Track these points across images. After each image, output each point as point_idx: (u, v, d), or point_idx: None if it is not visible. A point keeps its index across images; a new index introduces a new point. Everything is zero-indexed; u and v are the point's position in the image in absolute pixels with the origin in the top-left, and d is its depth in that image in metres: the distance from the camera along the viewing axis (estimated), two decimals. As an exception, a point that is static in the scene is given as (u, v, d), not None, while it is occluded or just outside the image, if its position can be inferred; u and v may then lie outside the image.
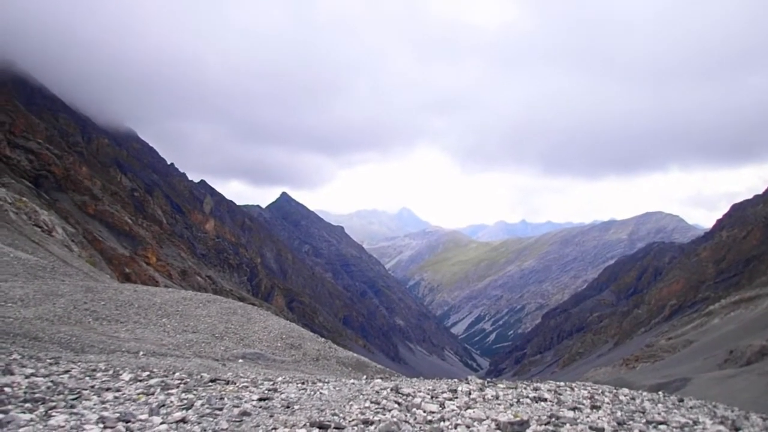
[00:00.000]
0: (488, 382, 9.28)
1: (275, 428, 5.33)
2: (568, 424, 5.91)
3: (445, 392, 7.64)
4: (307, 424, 5.42)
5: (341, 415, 5.95)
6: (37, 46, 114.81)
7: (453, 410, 6.38)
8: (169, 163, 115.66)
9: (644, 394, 10.23)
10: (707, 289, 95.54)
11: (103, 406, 6.06)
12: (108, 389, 7.01)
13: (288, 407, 6.62)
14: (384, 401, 6.68)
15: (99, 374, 8.17)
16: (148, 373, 8.82)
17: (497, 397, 7.60)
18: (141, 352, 12.20)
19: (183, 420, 5.59)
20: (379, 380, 10.08)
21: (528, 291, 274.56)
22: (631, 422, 6.59)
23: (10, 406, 5.51)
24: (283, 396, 7.47)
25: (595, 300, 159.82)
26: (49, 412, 5.51)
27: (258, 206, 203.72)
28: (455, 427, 5.52)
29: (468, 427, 5.56)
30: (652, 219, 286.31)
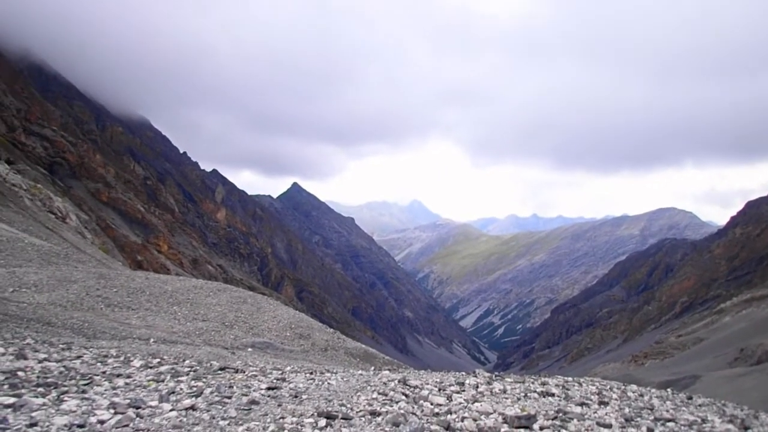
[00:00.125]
0: (496, 376, 9.28)
1: (283, 417, 5.36)
2: (575, 420, 5.90)
3: (453, 385, 7.64)
4: (315, 414, 5.45)
5: (349, 405, 5.98)
6: (53, 34, 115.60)
7: (460, 403, 6.39)
8: (181, 151, 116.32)
9: (653, 391, 10.18)
10: (719, 287, 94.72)
11: (114, 391, 6.12)
12: (119, 375, 7.09)
13: (296, 397, 6.66)
14: (391, 393, 6.71)
15: (110, 360, 8.26)
16: (158, 360, 8.90)
17: (505, 391, 7.60)
18: (152, 339, 12.31)
19: (192, 407, 5.64)
20: (387, 372, 10.12)
21: (538, 285, 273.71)
22: (639, 419, 6.57)
23: (23, 390, 5.59)
24: (291, 385, 7.52)
25: (605, 296, 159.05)
26: (61, 396, 5.57)
27: (269, 196, 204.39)
28: (462, 420, 5.53)
29: (475, 420, 5.56)
30: (665, 215, 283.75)
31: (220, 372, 8.43)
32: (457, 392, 7.13)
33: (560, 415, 6.05)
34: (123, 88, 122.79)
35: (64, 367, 7.07)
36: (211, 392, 6.48)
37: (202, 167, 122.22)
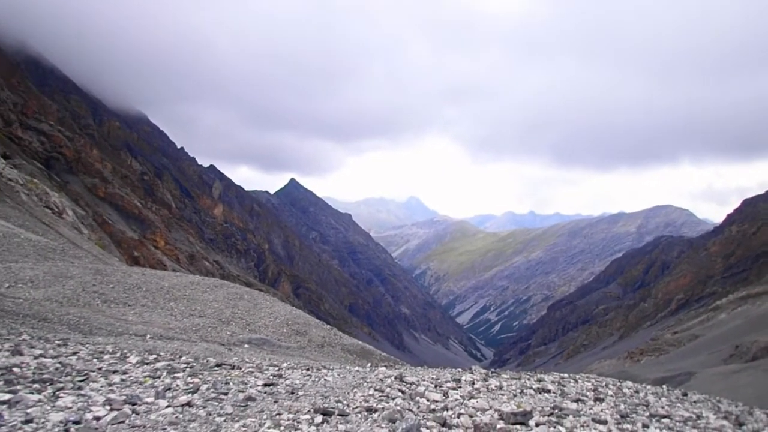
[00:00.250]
0: (492, 373, 9.30)
1: (279, 414, 5.37)
2: (571, 416, 5.92)
3: (449, 381, 7.66)
4: (311, 410, 5.45)
5: (345, 402, 5.99)
6: (50, 27, 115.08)
7: (456, 399, 6.40)
8: (179, 147, 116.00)
9: (648, 387, 10.22)
10: (715, 284, 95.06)
11: (110, 388, 6.12)
12: (115, 371, 7.08)
13: (292, 393, 6.66)
14: (388, 389, 6.71)
15: (106, 356, 8.25)
16: (154, 356, 8.89)
17: (501, 388, 7.62)
18: (148, 336, 12.30)
19: (188, 404, 5.65)
20: (384, 368, 10.13)
21: (534, 282, 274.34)
22: (634, 415, 6.59)
23: (18, 387, 5.58)
24: (287, 382, 7.52)
25: (601, 293, 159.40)
26: (57, 393, 5.57)
27: (266, 192, 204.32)
28: (458, 417, 5.54)
29: (471, 416, 5.58)
30: (662, 212, 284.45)
31: (216, 368, 8.43)
32: (454, 389, 7.14)
33: (556, 411, 6.07)
34: (120, 83, 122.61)
35: (60, 363, 7.06)
36: (208, 389, 6.48)
37: (199, 162, 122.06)
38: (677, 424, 6.41)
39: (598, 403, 7.29)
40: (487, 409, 5.92)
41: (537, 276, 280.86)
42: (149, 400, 5.65)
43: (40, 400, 5.20)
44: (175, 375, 7.32)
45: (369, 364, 13.34)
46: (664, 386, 11.01)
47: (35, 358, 7.19)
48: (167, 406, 5.49)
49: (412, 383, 7.32)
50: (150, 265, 50.38)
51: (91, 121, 76.64)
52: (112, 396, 5.63)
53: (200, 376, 7.39)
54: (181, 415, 5.26)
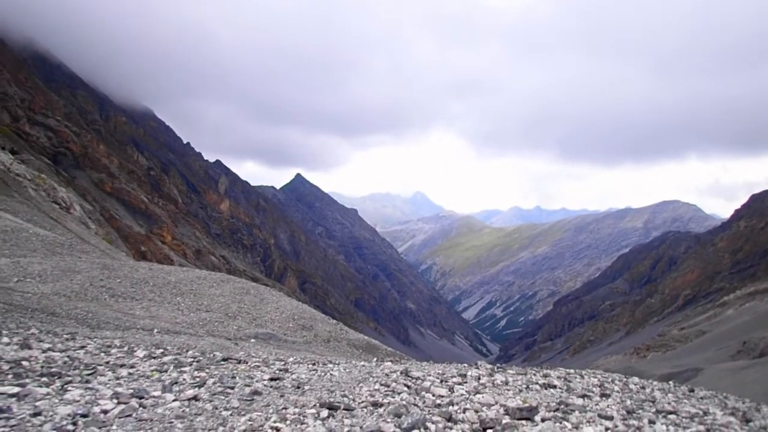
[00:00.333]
0: (498, 368, 9.31)
1: (285, 408, 5.39)
2: (577, 412, 5.91)
3: (455, 377, 7.66)
4: (317, 404, 5.47)
5: (351, 396, 6.00)
6: (57, 23, 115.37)
7: (462, 395, 6.41)
8: (185, 142, 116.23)
9: (654, 383, 10.20)
10: (722, 280, 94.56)
11: (118, 381, 6.16)
12: (122, 365, 7.12)
13: (298, 388, 6.69)
14: (393, 384, 6.72)
15: (114, 350, 8.30)
16: (161, 350, 8.94)
17: (506, 383, 7.62)
18: (155, 330, 12.36)
19: (195, 398, 5.67)
20: (389, 363, 10.14)
21: (540, 277, 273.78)
22: (640, 411, 6.58)
23: (27, 380, 5.62)
24: (293, 376, 7.55)
25: (607, 288, 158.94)
26: (65, 386, 5.61)
27: (272, 187, 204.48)
28: (464, 412, 5.54)
29: (477, 411, 5.58)
30: (669, 208, 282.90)
31: (223, 362, 8.46)
32: (459, 384, 7.15)
33: (562, 407, 6.06)
34: (126, 78, 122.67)
35: (68, 357, 7.11)
36: (214, 383, 6.51)
37: (205, 158, 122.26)
38: (684, 420, 6.39)
39: (604, 398, 7.27)
40: (493, 405, 5.92)
41: (543, 271, 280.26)
42: (156, 393, 5.68)
43: (48, 394, 5.24)
44: (182, 369, 7.35)
45: (375, 359, 13.37)
46: (670, 382, 10.99)
47: (44, 351, 7.25)
48: (174, 400, 5.52)
49: (417, 378, 7.33)
50: (157, 260, 50.62)
51: (97, 116, 76.95)
52: (119, 389, 5.66)
53: (207, 371, 7.42)
54: (187, 409, 5.29)
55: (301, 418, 5.05)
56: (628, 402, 7.19)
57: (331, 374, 8.01)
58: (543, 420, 5.43)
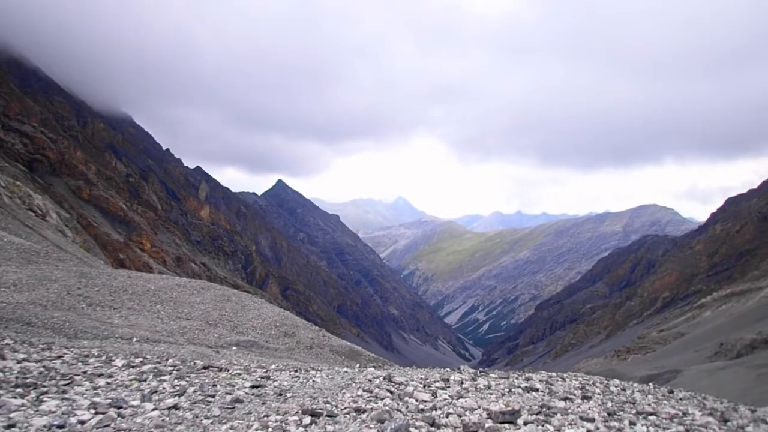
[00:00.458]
0: (480, 372, 9.33)
1: (267, 415, 5.34)
2: (559, 414, 5.95)
3: (438, 381, 7.67)
4: (300, 411, 5.43)
5: (334, 403, 5.97)
6: (32, 28, 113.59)
7: (445, 399, 6.41)
8: (164, 148, 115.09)
9: (635, 385, 10.31)
10: (699, 282, 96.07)
11: (95, 391, 6.05)
12: (100, 375, 7.00)
13: (280, 395, 6.64)
14: (376, 390, 6.71)
15: (92, 360, 8.16)
16: (141, 359, 8.82)
17: (489, 387, 7.64)
18: (134, 339, 12.19)
19: (175, 406, 5.60)
20: (372, 369, 10.12)
21: (522, 282, 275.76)
22: (621, 413, 6.64)
23: (1, 391, 5.50)
24: (275, 383, 7.49)
25: (588, 291, 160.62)
26: (41, 397, 5.50)
27: (254, 193, 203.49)
28: (447, 416, 5.55)
29: (460, 416, 5.58)
30: (647, 212, 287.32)
31: (203, 371, 8.37)
32: (442, 388, 7.16)
33: (544, 410, 6.10)
34: (104, 84, 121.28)
35: (43, 367, 6.97)
36: (195, 391, 6.43)
37: (185, 164, 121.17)
38: (663, 421, 6.46)
39: (585, 401, 7.33)
40: (476, 409, 5.93)
41: (524, 276, 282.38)
42: (135, 403, 5.60)
43: (23, 405, 5.13)
44: (162, 378, 7.26)
45: (358, 365, 13.32)
46: (650, 384, 11.11)
47: (18, 362, 7.10)
48: (153, 409, 5.44)
49: (400, 383, 7.32)
50: (136, 268, 49.93)
51: (74, 122, 75.80)
52: (97, 399, 5.57)
53: (187, 379, 7.34)
54: (167, 418, 5.22)
55: (284, 425, 5.01)
56: (609, 404, 7.26)
57: (313, 381, 7.96)
58: (525, 423, 5.46)
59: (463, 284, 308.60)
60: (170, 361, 9.11)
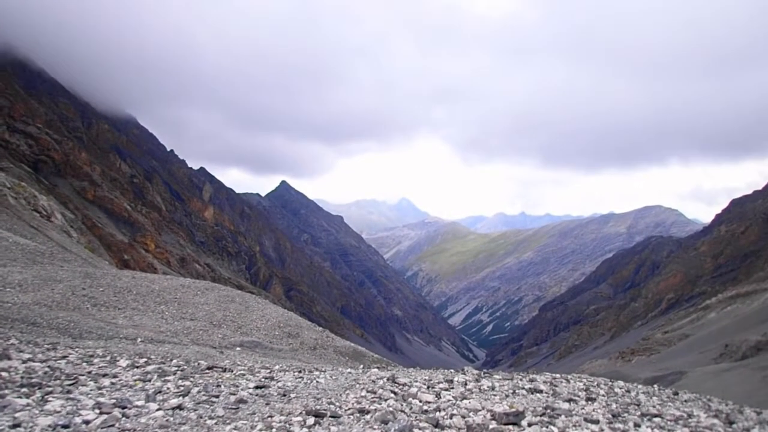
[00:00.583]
0: (484, 373, 9.32)
1: (271, 416, 5.34)
2: (563, 416, 5.93)
3: (442, 382, 7.66)
4: (303, 412, 5.43)
5: (337, 403, 5.97)
6: (37, 30, 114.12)
7: (449, 400, 6.41)
8: (168, 149, 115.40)
9: (639, 386, 10.28)
10: (704, 284, 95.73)
11: (100, 391, 6.07)
12: (105, 375, 7.02)
13: (284, 395, 6.64)
14: (380, 391, 6.70)
15: (96, 360, 8.18)
16: (145, 359, 8.83)
17: (493, 388, 7.63)
18: (139, 339, 12.22)
19: (179, 407, 5.61)
20: (376, 370, 10.12)
21: (526, 283, 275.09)
22: (626, 414, 6.62)
23: (6, 391, 5.52)
24: (279, 384, 7.49)
25: (592, 293, 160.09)
26: (46, 397, 5.51)
27: (257, 194, 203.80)
28: (451, 417, 5.54)
29: (463, 417, 5.58)
30: (651, 213, 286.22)
31: (207, 371, 8.38)
32: (446, 390, 7.15)
33: (548, 411, 6.08)
34: (109, 85, 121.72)
35: (48, 367, 7.00)
36: (199, 391, 6.44)
37: (189, 165, 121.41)
38: (668, 423, 6.44)
39: (589, 402, 7.31)
40: (480, 410, 5.92)
41: (528, 277, 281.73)
42: (139, 403, 5.61)
43: (28, 404, 5.15)
44: (166, 378, 7.27)
45: (361, 366, 13.32)
46: (655, 385, 11.08)
47: (24, 362, 7.12)
48: (158, 409, 5.45)
49: (404, 384, 7.31)
50: (140, 269, 50.05)
51: (79, 123, 76.04)
52: (101, 399, 5.58)
53: (191, 379, 7.35)
54: (171, 418, 5.23)
55: (287, 426, 5.01)
56: (614, 406, 7.24)
57: (317, 382, 7.96)
58: (530, 425, 5.45)
59: (467, 285, 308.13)
60: (174, 361, 9.13)
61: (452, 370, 10.00)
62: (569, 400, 7.21)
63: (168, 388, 6.54)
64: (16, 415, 4.79)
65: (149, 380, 7.02)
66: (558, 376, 10.08)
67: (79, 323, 12.43)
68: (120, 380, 6.81)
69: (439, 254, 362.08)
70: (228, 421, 5.21)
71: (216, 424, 5.13)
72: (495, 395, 7.08)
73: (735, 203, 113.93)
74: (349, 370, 10.33)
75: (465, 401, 6.36)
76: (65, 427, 4.65)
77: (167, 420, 5.16)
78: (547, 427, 5.47)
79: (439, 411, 5.82)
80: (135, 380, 6.89)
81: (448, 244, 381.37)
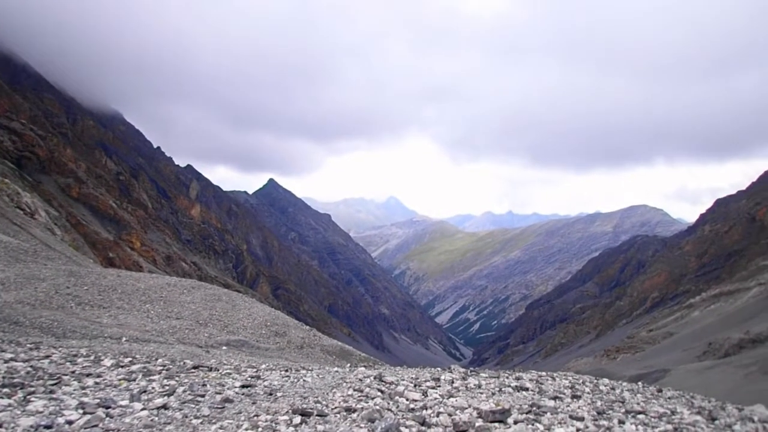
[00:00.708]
0: (471, 371, 9.35)
1: (257, 415, 5.32)
2: (548, 413, 5.96)
3: (428, 381, 7.67)
4: (290, 411, 5.41)
5: (324, 402, 5.96)
6: (21, 24, 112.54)
7: (436, 398, 6.42)
8: (155, 146, 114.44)
9: (624, 384, 10.37)
10: (688, 283, 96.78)
11: (84, 391, 6.00)
12: (89, 375, 6.95)
13: (271, 394, 6.62)
14: (367, 389, 6.70)
15: (80, 360, 8.10)
16: (130, 359, 8.76)
17: (479, 386, 7.66)
18: (123, 338, 12.11)
19: (164, 406, 5.56)
20: (363, 368, 10.12)
21: (513, 281, 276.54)
22: (610, 411, 6.67)
23: (-12, 391, 5.45)
24: (266, 383, 7.47)
25: (578, 291, 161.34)
26: (28, 397, 5.45)
27: (245, 192, 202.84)
28: (437, 416, 5.55)
29: (450, 415, 5.59)
30: (637, 212, 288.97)
31: (193, 370, 8.33)
32: (433, 388, 7.16)
33: (534, 408, 6.11)
34: (95, 81, 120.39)
35: (31, 366, 6.91)
36: (184, 391, 6.40)
37: (176, 162, 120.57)
38: (652, 419, 6.50)
39: (575, 400, 7.36)
40: (466, 408, 5.94)
41: (515, 275, 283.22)
42: (124, 403, 5.56)
43: (9, 405, 5.08)
44: (151, 377, 7.21)
45: (348, 365, 13.31)
46: (639, 383, 11.18)
47: (5, 362, 7.03)
48: (142, 409, 5.41)
49: (391, 383, 7.31)
50: (126, 267, 49.59)
51: (64, 119, 75.16)
52: (85, 399, 5.52)
53: (177, 379, 7.30)
54: (156, 418, 5.19)
55: (274, 425, 4.99)
56: (599, 403, 7.29)
57: (304, 380, 7.95)
58: (516, 422, 5.47)
59: (454, 284, 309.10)
60: (160, 360, 9.06)
61: (439, 369, 10.02)
62: (555, 398, 7.25)
63: (153, 388, 6.49)
64: (-2, 415, 4.73)
65: (134, 380, 6.96)
66: (544, 374, 10.15)
67: (63, 322, 12.30)
68: (104, 380, 6.74)
69: (426, 253, 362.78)
70: (214, 421, 5.18)
71: (201, 423, 5.10)
72: (481, 393, 7.11)
73: (719, 203, 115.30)
74: (336, 368, 10.32)
75: (451, 399, 6.38)
76: (48, 427, 4.60)
77: (152, 420, 5.12)
78: (532, 424, 5.49)
79: (426, 409, 5.83)
80: (119, 380, 6.82)
81: (435, 242, 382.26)
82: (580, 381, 9.65)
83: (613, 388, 9.30)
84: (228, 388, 6.83)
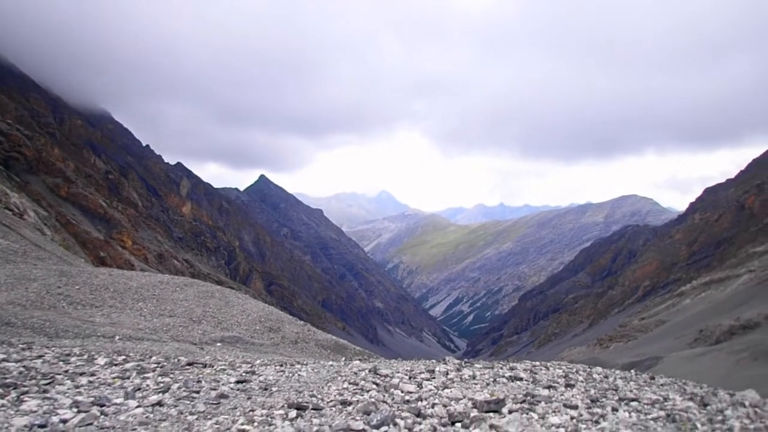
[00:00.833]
0: (465, 363, 9.38)
1: (253, 410, 5.32)
2: (543, 402, 6.00)
3: (423, 373, 7.69)
4: (285, 405, 5.42)
5: (319, 396, 5.97)
6: (6, 23, 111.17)
7: (430, 390, 6.44)
8: (144, 144, 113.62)
9: (617, 372, 10.43)
10: (679, 271, 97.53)
11: (77, 390, 5.98)
12: (82, 374, 6.92)
13: (266, 389, 6.61)
14: (362, 382, 6.71)
15: (73, 359, 8.05)
16: (123, 357, 8.72)
17: (474, 377, 7.68)
18: (117, 337, 12.05)
19: (159, 403, 5.55)
20: (358, 362, 10.12)
21: (505, 273, 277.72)
22: (604, 399, 6.71)
23: (-20, 392, 5.41)
24: (261, 378, 7.46)
25: (570, 282, 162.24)
26: (21, 397, 5.42)
27: (236, 189, 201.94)
28: (432, 407, 5.57)
29: (445, 406, 5.61)
30: (627, 202, 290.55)
31: (187, 367, 8.31)
32: (428, 380, 7.18)
33: (528, 398, 6.15)
34: (82, 80, 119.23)
35: (24, 367, 6.87)
36: (179, 387, 6.38)
37: (166, 160, 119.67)
38: (645, 406, 6.55)
39: (569, 389, 7.40)
40: (461, 399, 5.96)
41: (508, 267, 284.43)
42: (118, 401, 5.54)
43: (3, 405, 5.06)
44: (145, 375, 7.19)
45: (343, 359, 13.32)
46: (632, 371, 11.26)
47: (-3, 362, 6.98)
48: (137, 407, 5.39)
49: (386, 376, 7.33)
50: (117, 266, 49.32)
51: (51, 119, 74.44)
52: (79, 398, 5.50)
53: (171, 376, 7.28)
54: (151, 415, 5.18)
55: (269, 419, 5.00)
56: (592, 391, 7.34)
57: (299, 375, 7.95)
58: (510, 412, 5.50)
59: (447, 276, 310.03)
60: (154, 358, 9.03)
61: (433, 361, 10.05)
62: (549, 387, 7.29)
63: (147, 385, 6.47)
64: (-9, 415, 4.70)
65: (128, 378, 6.93)
66: (538, 363, 10.19)
67: (55, 322, 12.22)
68: (98, 378, 6.71)
69: (419, 246, 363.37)
70: (209, 416, 5.17)
71: (197, 419, 5.09)
72: (476, 384, 7.14)
73: (709, 192, 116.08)
74: (330, 362, 10.32)
75: (446, 390, 6.40)
76: (42, 426, 4.58)
77: (147, 417, 5.11)
78: (527, 413, 5.53)
79: (421, 401, 5.85)
80: (113, 378, 6.80)
81: (428, 236, 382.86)
82: (574, 370, 9.70)
83: (606, 377, 9.36)
84: (223, 384, 6.82)
